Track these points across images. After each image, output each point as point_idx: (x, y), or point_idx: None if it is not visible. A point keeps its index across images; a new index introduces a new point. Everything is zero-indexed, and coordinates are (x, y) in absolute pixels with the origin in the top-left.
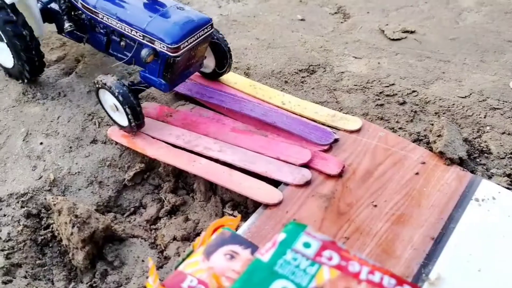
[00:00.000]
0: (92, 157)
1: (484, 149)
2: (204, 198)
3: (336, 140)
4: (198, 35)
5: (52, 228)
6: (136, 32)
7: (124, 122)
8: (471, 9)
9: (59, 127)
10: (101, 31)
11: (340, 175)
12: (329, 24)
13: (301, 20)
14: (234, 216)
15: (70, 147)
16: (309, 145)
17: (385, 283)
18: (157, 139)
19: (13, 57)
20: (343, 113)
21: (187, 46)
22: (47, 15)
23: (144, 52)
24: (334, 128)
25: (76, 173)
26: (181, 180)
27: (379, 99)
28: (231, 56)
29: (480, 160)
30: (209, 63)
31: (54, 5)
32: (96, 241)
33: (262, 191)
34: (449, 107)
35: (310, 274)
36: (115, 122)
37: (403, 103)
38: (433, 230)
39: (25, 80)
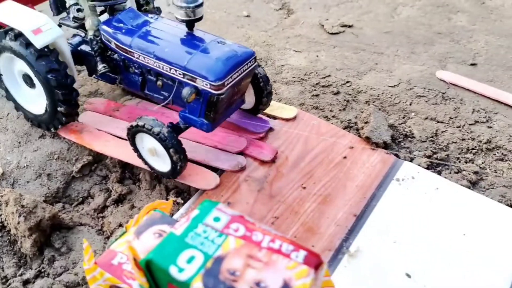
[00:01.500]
0: (41, 151)
1: (408, 133)
2: (149, 186)
3: (271, 129)
4: (242, 70)
5: (1, 218)
6: (176, 71)
7: (164, 167)
8: (406, 3)
9: (9, 124)
10: (136, 71)
11: (273, 161)
12: (273, 20)
13: (247, 16)
14: (178, 203)
15: (19, 142)
16: (246, 134)
17: (283, 249)
18: (104, 132)
19: (46, 105)
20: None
21: (231, 82)
22: (77, 57)
23: (185, 91)
24: (271, 117)
25: (24, 166)
26: (128, 170)
27: (315, 90)
28: (270, 93)
29: (404, 144)
30: (249, 99)
31: (84, 47)
32: (43, 229)
33: (200, 178)
34: (378, 95)
35: (217, 244)
36: (150, 167)
37: (337, 93)
38: (356, 208)
39: (52, 129)
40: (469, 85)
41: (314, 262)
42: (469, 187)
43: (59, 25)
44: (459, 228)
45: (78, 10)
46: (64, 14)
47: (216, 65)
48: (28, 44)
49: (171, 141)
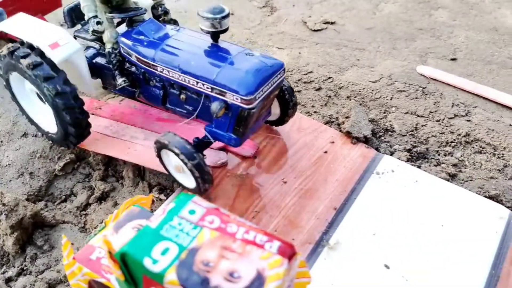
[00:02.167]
0: (23, 150)
1: (388, 128)
2: (132, 183)
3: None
4: (272, 82)
5: None
6: (203, 84)
7: (190, 184)
8: (388, 0)
9: None
10: (157, 84)
11: (254, 157)
12: (257, 17)
13: (230, 14)
14: (160, 200)
15: (1, 141)
16: None
17: (257, 240)
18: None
19: (56, 121)
20: None
21: (262, 95)
22: (92, 70)
23: (215, 105)
24: None
25: (6, 165)
26: (111, 168)
27: (297, 86)
28: (296, 104)
29: (385, 138)
30: (274, 110)
31: (99, 59)
32: (25, 227)
33: None
34: (360, 91)
35: (192, 236)
36: (180, 184)
37: (319, 89)
38: (336, 201)
39: (71, 146)
40: (449, 80)
41: (287, 252)
42: (448, 180)
43: (74, 38)
44: (437, 220)
45: (98, 23)
46: (78, 27)
47: (247, 78)
48: (35, 66)
49: (193, 160)
